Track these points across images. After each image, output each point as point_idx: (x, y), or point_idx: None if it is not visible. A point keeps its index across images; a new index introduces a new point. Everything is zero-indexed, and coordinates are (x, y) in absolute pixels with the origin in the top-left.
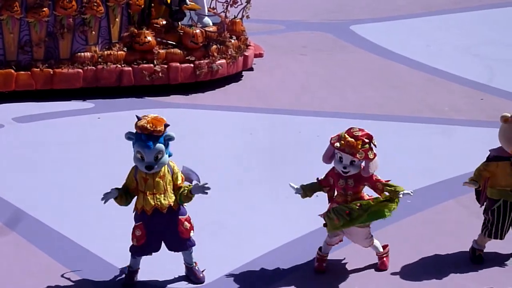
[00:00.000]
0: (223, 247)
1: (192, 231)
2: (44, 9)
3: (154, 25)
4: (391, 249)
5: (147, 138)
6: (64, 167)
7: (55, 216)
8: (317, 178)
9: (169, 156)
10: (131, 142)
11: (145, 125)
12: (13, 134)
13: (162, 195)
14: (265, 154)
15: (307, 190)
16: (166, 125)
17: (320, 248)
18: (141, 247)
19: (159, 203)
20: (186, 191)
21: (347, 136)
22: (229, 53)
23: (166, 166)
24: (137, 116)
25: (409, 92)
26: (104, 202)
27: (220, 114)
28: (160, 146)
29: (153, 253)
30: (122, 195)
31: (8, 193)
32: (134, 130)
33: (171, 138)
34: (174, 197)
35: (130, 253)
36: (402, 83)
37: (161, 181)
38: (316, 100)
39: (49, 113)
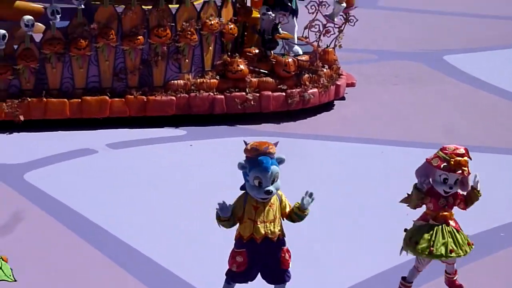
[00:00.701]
0: (311, 278)
1: (290, 262)
2: (139, 37)
3: (247, 53)
4: (482, 284)
5: (265, 161)
6: (155, 193)
7: (145, 240)
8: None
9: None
10: (228, 170)
11: (261, 146)
12: (106, 160)
13: (273, 224)
14: (354, 183)
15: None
16: (275, 143)
17: (404, 278)
18: (240, 274)
19: (269, 231)
20: (296, 208)
21: (453, 155)
22: (321, 82)
23: None
24: (244, 142)
25: (500, 123)
26: (220, 216)
27: (311, 143)
28: (277, 168)
29: (248, 282)
30: (231, 218)
31: (99, 217)
32: (238, 159)
33: (282, 161)
34: (281, 226)
35: (225, 278)
36: (494, 114)
37: (271, 209)
38: (408, 129)
39: (142, 140)
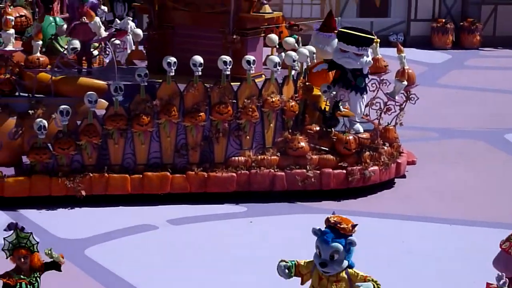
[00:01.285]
0: None
1: None
2: (201, 113)
3: (308, 131)
4: None
5: (328, 233)
6: (215, 269)
7: None
8: None
9: (350, 266)
10: (287, 246)
11: (331, 218)
12: (167, 236)
13: None
14: (417, 262)
15: None
16: (354, 225)
17: None
18: None
19: None
20: None
21: None
22: (382, 160)
23: (344, 273)
24: (333, 212)
25: None
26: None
27: (372, 221)
28: (337, 245)
29: None
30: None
31: None
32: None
33: (352, 243)
34: None
35: None
36: None
37: (334, 287)
38: (470, 208)
39: (202, 216)
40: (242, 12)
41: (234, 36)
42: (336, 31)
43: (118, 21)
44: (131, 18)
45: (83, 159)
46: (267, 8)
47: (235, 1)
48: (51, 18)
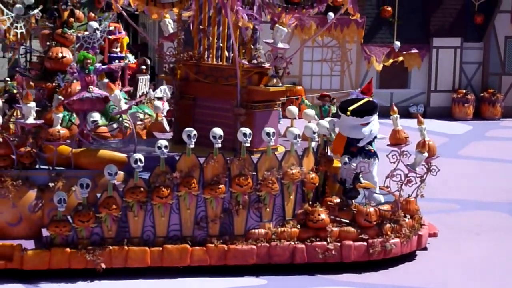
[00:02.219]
0: None
1: None
2: (221, 186)
3: (328, 202)
4: None
5: None
6: None
7: None
8: None
9: None
10: None
11: None
12: None
13: None
14: None
15: None
16: None
17: None
18: None
19: None
20: None
21: None
22: (403, 232)
23: None
24: None
25: None
26: None
27: None
28: None
29: None
30: None
31: None
32: None
33: None
34: None
35: None
36: None
37: None
38: (492, 281)
39: None
40: (252, 85)
41: (240, 109)
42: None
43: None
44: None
45: (102, 231)
46: (277, 81)
47: (243, 74)
48: None
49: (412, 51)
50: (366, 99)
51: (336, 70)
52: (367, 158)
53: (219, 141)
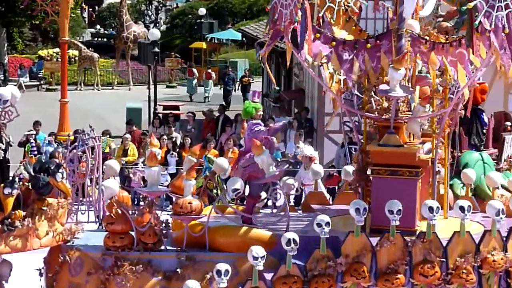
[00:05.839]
0: None
1: None
2: (399, 275)
3: None
4: None
5: None
6: None
7: None
8: None
9: None
10: None
11: None
12: None
13: None
14: None
15: None
16: None
17: None
18: None
19: None
20: None
21: None
22: None
23: None
24: None
25: None
26: None
27: None
28: None
29: None
30: None
31: None
32: None
33: None
34: None
35: None
36: None
37: None
38: None
39: None
40: None
41: None
42: None
43: None
44: None
45: None
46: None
47: None
48: None
49: None
50: None
51: None
52: None
53: (397, 217)
